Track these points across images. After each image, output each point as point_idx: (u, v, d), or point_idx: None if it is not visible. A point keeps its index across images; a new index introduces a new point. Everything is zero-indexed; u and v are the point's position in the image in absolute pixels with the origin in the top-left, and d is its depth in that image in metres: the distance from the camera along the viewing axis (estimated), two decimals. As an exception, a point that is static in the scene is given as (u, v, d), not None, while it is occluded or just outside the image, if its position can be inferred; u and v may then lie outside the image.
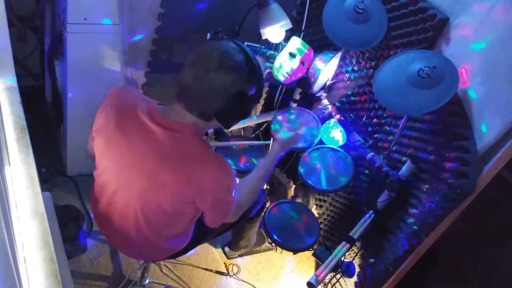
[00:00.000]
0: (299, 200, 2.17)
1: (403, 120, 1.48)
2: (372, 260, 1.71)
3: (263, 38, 1.78)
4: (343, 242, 1.53)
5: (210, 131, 1.65)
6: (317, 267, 2.05)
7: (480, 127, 1.29)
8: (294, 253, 2.19)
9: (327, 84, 1.90)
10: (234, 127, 1.99)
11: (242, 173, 2.05)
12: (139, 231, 1.28)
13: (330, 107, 1.88)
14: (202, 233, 1.51)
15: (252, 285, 2.05)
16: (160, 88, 2.20)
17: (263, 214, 1.79)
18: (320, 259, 1.51)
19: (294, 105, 2.06)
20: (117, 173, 1.21)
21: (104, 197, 1.30)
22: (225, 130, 1.69)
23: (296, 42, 1.77)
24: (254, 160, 1.96)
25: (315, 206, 2.19)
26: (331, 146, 1.78)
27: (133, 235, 1.29)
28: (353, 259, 1.75)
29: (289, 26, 1.76)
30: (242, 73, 1.09)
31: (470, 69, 1.32)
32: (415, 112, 1.39)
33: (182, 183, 1.14)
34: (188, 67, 1.11)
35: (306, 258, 2.27)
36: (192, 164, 1.13)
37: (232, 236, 2.10)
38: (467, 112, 1.33)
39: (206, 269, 2.03)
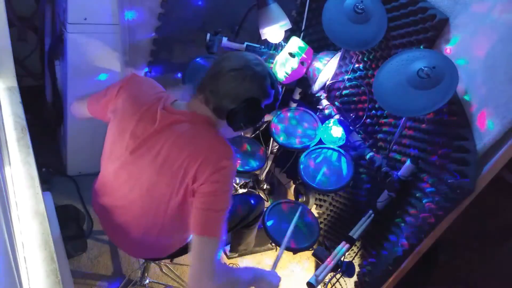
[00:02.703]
0: (299, 200, 2.17)
1: (403, 120, 1.48)
2: (371, 259, 1.72)
3: (262, 38, 1.78)
4: (343, 242, 1.54)
5: None
6: (317, 267, 2.05)
7: (479, 126, 1.29)
8: (294, 253, 2.19)
9: (327, 84, 1.90)
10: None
11: (243, 173, 2.06)
12: (139, 226, 1.28)
13: (330, 107, 1.88)
14: None
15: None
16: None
17: (263, 214, 1.80)
18: (320, 259, 1.51)
19: (294, 105, 2.06)
20: (123, 166, 1.23)
21: (106, 187, 1.31)
22: None
23: (295, 42, 1.77)
24: (254, 162, 1.96)
25: (315, 206, 2.19)
26: (331, 146, 1.78)
27: (133, 230, 1.30)
28: (353, 259, 1.76)
29: (289, 26, 1.76)
30: (262, 83, 1.17)
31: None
32: (414, 113, 1.39)
33: (187, 160, 1.13)
34: (214, 64, 1.18)
35: (306, 258, 2.27)
36: (198, 139, 1.16)
37: (232, 240, 2.11)
38: (467, 112, 1.33)
39: (206, 269, 2.03)
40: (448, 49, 1.41)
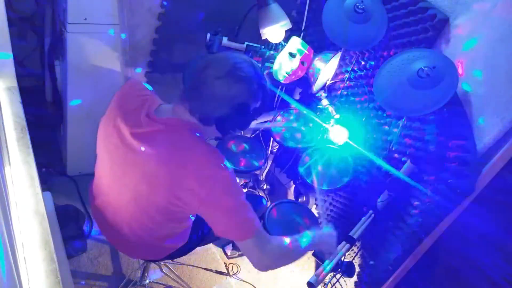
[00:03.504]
0: (299, 200, 2.17)
1: (403, 120, 1.48)
2: (372, 262, 1.71)
3: (263, 38, 1.78)
4: (343, 242, 1.53)
5: None
6: (317, 267, 2.05)
7: (479, 125, 1.29)
8: (294, 253, 2.19)
9: (327, 84, 1.90)
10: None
11: (243, 173, 2.06)
12: (132, 228, 1.28)
13: (330, 107, 1.88)
14: (201, 236, 1.50)
15: (252, 285, 2.05)
16: (160, 88, 2.20)
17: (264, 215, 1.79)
18: (320, 259, 1.51)
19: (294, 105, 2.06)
20: (112, 169, 1.22)
21: (99, 191, 1.32)
22: None
23: (296, 42, 1.77)
24: (254, 162, 1.95)
25: (315, 206, 2.19)
26: (331, 146, 1.78)
27: (127, 231, 1.30)
28: (353, 259, 1.76)
29: (289, 26, 1.76)
30: (249, 86, 1.11)
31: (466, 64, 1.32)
32: (414, 113, 1.39)
33: (174, 171, 1.11)
34: (198, 70, 1.12)
35: (306, 258, 2.27)
36: (186, 155, 1.11)
37: None
38: (467, 112, 1.33)
39: (206, 269, 2.03)
40: (445, 48, 1.41)
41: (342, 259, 1.50)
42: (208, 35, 1.80)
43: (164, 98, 1.27)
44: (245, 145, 2.04)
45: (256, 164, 1.96)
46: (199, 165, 1.10)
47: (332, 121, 1.79)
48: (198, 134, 1.16)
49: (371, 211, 1.62)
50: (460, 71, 1.34)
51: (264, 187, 2.46)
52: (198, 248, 1.57)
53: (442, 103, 1.24)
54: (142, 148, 1.13)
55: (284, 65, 1.77)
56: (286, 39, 1.82)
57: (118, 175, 1.20)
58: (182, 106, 1.15)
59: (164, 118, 1.15)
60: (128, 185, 1.19)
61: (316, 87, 1.84)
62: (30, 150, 1.20)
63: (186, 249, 1.47)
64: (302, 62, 1.75)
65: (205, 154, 1.12)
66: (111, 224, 1.31)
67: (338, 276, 1.49)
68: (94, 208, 1.37)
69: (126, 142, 1.16)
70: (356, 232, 1.57)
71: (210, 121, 1.14)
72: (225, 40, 1.82)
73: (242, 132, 2.38)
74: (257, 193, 2.39)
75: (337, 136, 1.70)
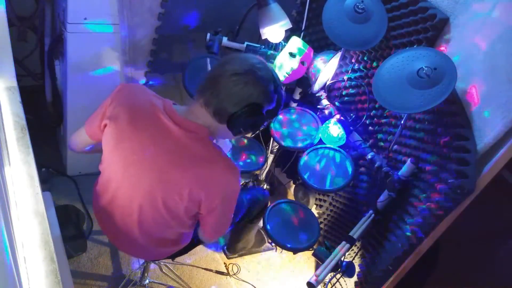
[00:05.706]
0: (299, 200, 2.17)
1: (403, 120, 1.48)
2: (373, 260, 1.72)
3: (263, 38, 1.78)
4: (343, 242, 1.54)
5: None
6: (317, 267, 2.05)
7: (479, 125, 1.29)
8: (294, 253, 2.19)
9: (327, 84, 1.90)
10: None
11: (243, 173, 2.06)
12: (141, 229, 1.28)
13: (330, 107, 1.88)
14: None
15: (252, 285, 2.05)
16: (160, 88, 2.20)
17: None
18: (320, 259, 1.51)
19: (294, 105, 2.06)
20: (125, 169, 1.20)
21: (107, 192, 1.30)
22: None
23: (296, 42, 1.77)
24: (253, 157, 1.95)
25: (315, 206, 2.19)
26: (331, 146, 1.78)
27: (136, 233, 1.29)
28: (353, 259, 1.76)
29: (289, 25, 1.76)
30: (266, 89, 1.13)
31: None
32: (413, 110, 1.39)
33: (192, 184, 1.15)
34: (218, 65, 1.15)
35: (306, 258, 2.27)
36: (204, 165, 1.14)
37: (230, 238, 2.10)
38: (467, 112, 1.33)
39: (206, 269, 2.03)
40: (443, 46, 1.41)
41: (342, 259, 1.50)
42: (208, 35, 1.80)
43: (165, 97, 1.27)
44: (245, 142, 2.04)
45: (256, 164, 1.96)
46: (218, 181, 1.18)
47: (331, 121, 1.80)
48: (214, 141, 1.19)
49: (371, 211, 1.62)
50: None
51: (264, 187, 2.46)
52: (198, 248, 1.58)
53: (440, 101, 1.24)
54: (161, 152, 1.15)
55: (284, 65, 1.76)
56: (286, 39, 1.82)
57: (133, 176, 1.20)
58: (198, 102, 1.16)
59: (185, 120, 1.16)
60: (143, 187, 1.19)
61: (316, 87, 1.84)
62: (30, 150, 1.20)
63: (187, 248, 1.48)
64: (302, 62, 1.75)
65: (224, 171, 1.18)
66: (118, 225, 1.31)
67: (338, 276, 1.49)
68: (99, 208, 1.36)
69: (146, 143, 1.15)
70: (356, 232, 1.57)
71: (223, 116, 1.14)
72: (225, 40, 1.82)
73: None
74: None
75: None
